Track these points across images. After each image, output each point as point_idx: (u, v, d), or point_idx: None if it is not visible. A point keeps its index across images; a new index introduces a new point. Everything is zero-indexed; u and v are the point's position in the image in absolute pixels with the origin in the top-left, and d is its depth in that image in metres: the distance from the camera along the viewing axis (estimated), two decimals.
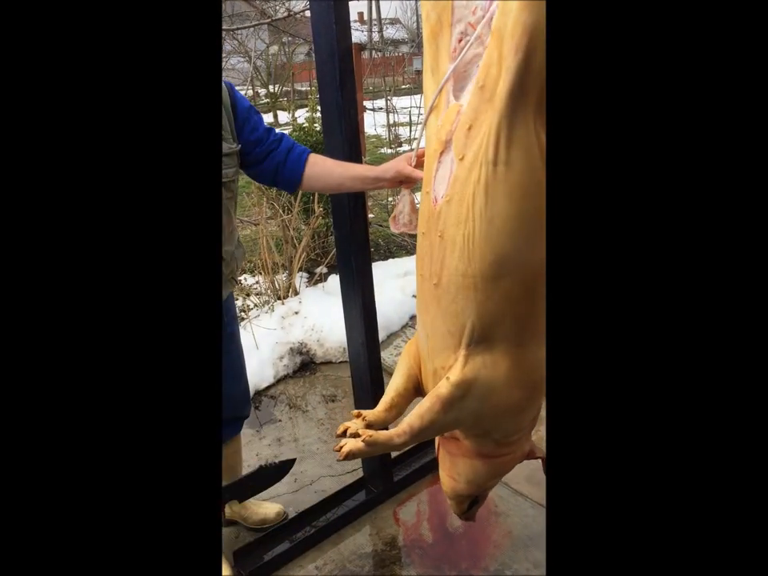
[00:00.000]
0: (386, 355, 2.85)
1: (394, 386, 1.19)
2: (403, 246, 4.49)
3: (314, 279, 3.66)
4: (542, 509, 1.90)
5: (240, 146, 1.44)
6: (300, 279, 3.64)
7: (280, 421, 2.56)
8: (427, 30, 1.03)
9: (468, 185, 0.95)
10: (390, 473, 2.02)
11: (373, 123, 8.86)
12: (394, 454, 2.02)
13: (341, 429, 1.06)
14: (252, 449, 2.35)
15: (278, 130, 1.55)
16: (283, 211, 3.58)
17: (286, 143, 1.50)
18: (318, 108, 1.79)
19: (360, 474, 2.05)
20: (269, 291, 3.47)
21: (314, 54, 1.55)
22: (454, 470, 1.24)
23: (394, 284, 3.44)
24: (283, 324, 3.11)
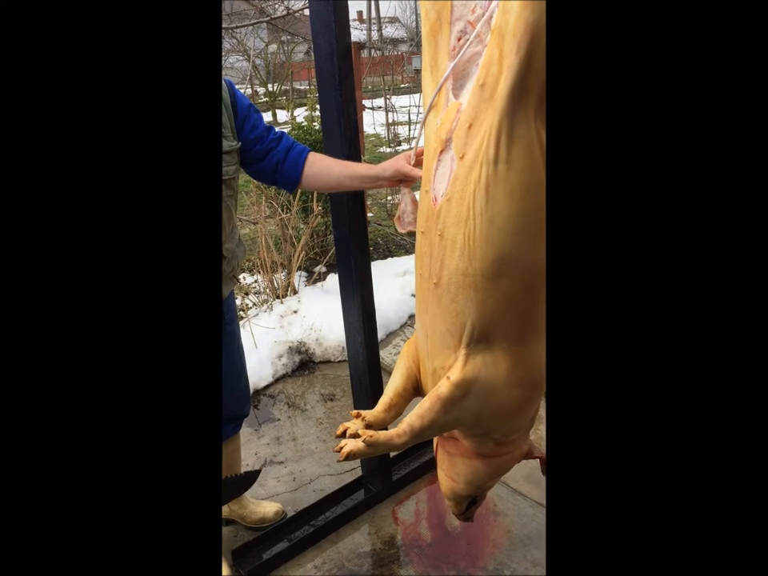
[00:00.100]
0: (384, 354, 2.85)
1: (392, 386, 1.19)
2: (402, 245, 4.49)
3: (313, 278, 3.66)
4: (540, 508, 1.90)
5: (240, 143, 1.44)
6: (299, 278, 3.64)
7: (279, 420, 2.56)
8: (426, 29, 1.03)
9: (468, 183, 0.94)
10: (388, 472, 2.02)
11: (372, 122, 8.86)
12: (392, 454, 2.02)
13: (340, 429, 1.06)
14: (251, 448, 2.35)
15: (277, 129, 1.55)
16: (282, 210, 3.58)
17: (286, 142, 1.50)
18: (317, 107, 1.79)
19: (359, 473, 2.06)
20: (267, 290, 3.47)
21: (312, 53, 1.55)
22: (452, 470, 1.24)
23: (392, 283, 3.44)
24: (282, 323, 3.11)
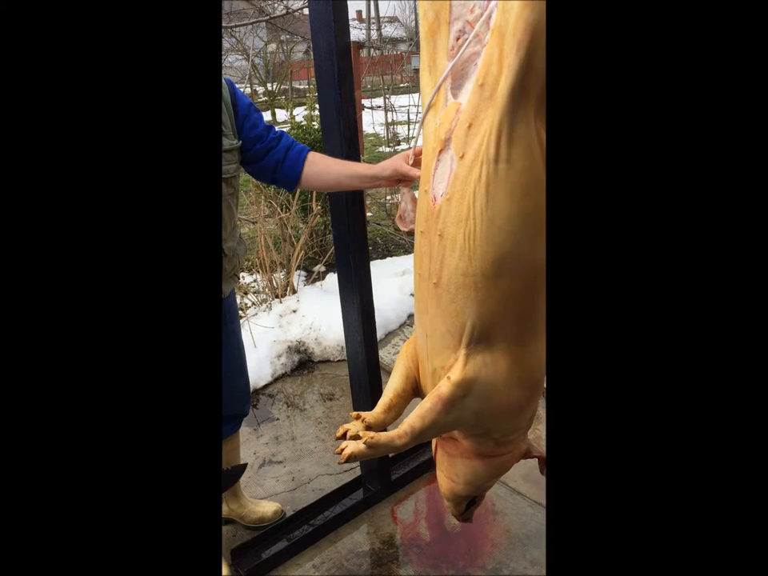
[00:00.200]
0: (383, 354, 2.85)
1: (392, 387, 1.18)
2: (401, 245, 4.49)
3: (312, 278, 3.66)
4: (539, 507, 1.91)
5: (241, 142, 1.45)
6: (298, 277, 3.64)
7: (278, 419, 2.56)
8: (425, 28, 1.03)
9: (469, 183, 0.94)
10: (387, 471, 2.02)
11: (371, 121, 8.87)
12: (391, 454, 2.02)
13: (340, 431, 1.05)
14: (250, 447, 2.35)
15: (277, 128, 1.55)
16: (281, 209, 3.58)
17: (286, 141, 1.50)
18: (317, 106, 1.79)
19: (358, 472, 2.06)
20: (267, 289, 3.47)
21: (312, 52, 1.54)
22: (452, 470, 1.24)
23: (392, 282, 3.44)
24: (281, 322, 3.11)
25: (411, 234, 1.22)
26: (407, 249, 4.35)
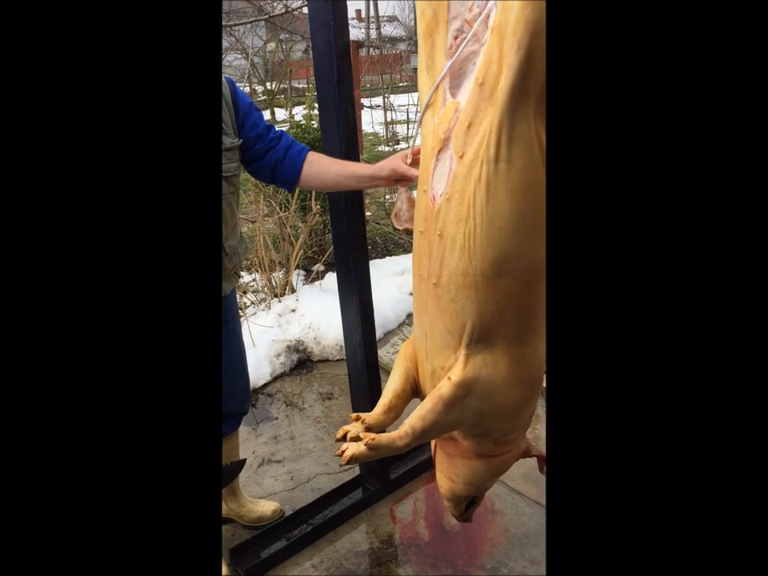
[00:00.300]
0: (383, 353, 2.85)
1: (391, 388, 1.18)
2: (401, 244, 4.49)
3: (311, 277, 3.66)
4: (538, 507, 1.91)
5: (241, 140, 1.45)
6: (297, 277, 3.64)
7: (276, 419, 2.56)
8: (422, 27, 1.03)
9: (468, 183, 0.94)
10: (386, 471, 2.02)
11: (370, 121, 8.86)
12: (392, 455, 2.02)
13: (340, 433, 1.05)
14: (249, 446, 2.34)
15: (277, 128, 1.55)
16: (280, 208, 3.58)
17: (285, 141, 1.50)
18: (316, 105, 1.79)
19: (357, 471, 2.06)
20: (266, 289, 3.47)
21: (311, 51, 1.54)
22: (452, 471, 1.24)
23: (391, 282, 3.44)
24: (280, 322, 3.11)
25: (410, 233, 1.22)
26: (406, 248, 4.35)
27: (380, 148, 8.17)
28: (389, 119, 7.87)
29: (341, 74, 1.49)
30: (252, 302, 3.37)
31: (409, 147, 1.33)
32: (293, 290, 3.47)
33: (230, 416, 1.73)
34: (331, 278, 3.49)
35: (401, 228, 1.34)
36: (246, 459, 1.77)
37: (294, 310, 3.20)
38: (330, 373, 2.91)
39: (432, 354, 1.09)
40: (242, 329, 2.81)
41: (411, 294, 1.17)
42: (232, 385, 1.64)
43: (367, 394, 1.85)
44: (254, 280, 3.61)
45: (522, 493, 1.97)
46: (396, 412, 1.16)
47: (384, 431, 1.08)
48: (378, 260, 4.01)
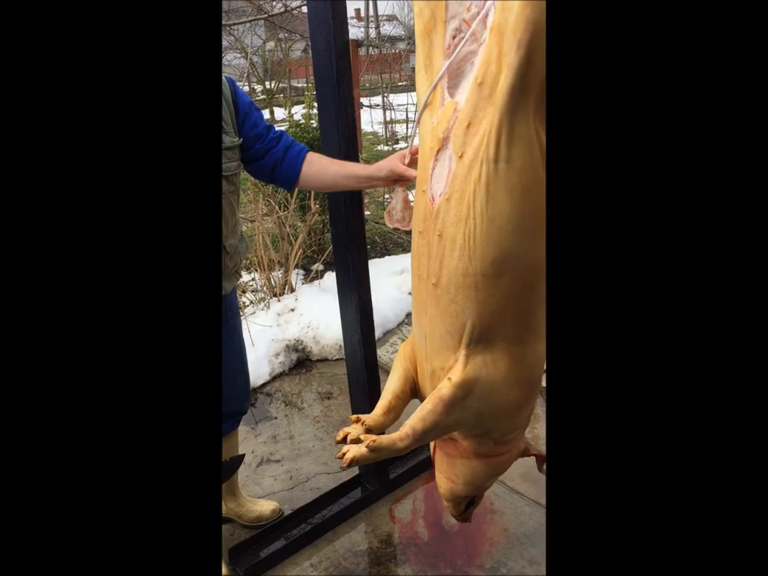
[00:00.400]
0: (382, 353, 2.85)
1: (390, 389, 1.18)
2: (400, 244, 4.49)
3: (311, 276, 3.66)
4: (537, 506, 1.91)
5: (241, 140, 1.45)
6: (296, 276, 3.64)
7: (275, 418, 2.56)
8: (420, 27, 1.03)
9: (468, 183, 0.94)
10: (385, 470, 2.02)
11: (370, 120, 8.86)
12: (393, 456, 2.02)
13: (340, 435, 1.05)
14: (247, 446, 2.34)
15: (276, 128, 1.55)
16: (279, 208, 3.57)
17: (285, 141, 1.51)
18: (315, 104, 1.79)
19: (356, 471, 2.05)
20: (265, 288, 3.47)
21: (310, 51, 1.54)
22: (451, 471, 1.24)
23: (390, 281, 3.44)
24: (279, 321, 3.11)
25: (409, 232, 1.22)
26: (406, 247, 4.35)
27: (379, 147, 8.17)
28: (388, 118, 7.87)
29: (340, 73, 1.49)
30: (251, 302, 3.37)
31: (408, 147, 1.33)
32: (292, 290, 3.46)
33: (229, 415, 1.73)
34: (330, 278, 3.49)
35: (391, 226, 1.34)
36: (245, 454, 1.77)
37: (293, 310, 3.20)
38: (329, 372, 2.91)
39: (432, 354, 1.09)
40: (242, 328, 2.82)
41: (410, 293, 1.17)
42: (232, 383, 1.65)
43: (366, 393, 1.84)
44: (253, 279, 3.61)
45: (520, 492, 1.98)
46: (395, 413, 1.16)
47: (384, 433, 1.08)
48: (377, 259, 4.00)
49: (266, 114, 10.26)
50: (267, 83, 11.89)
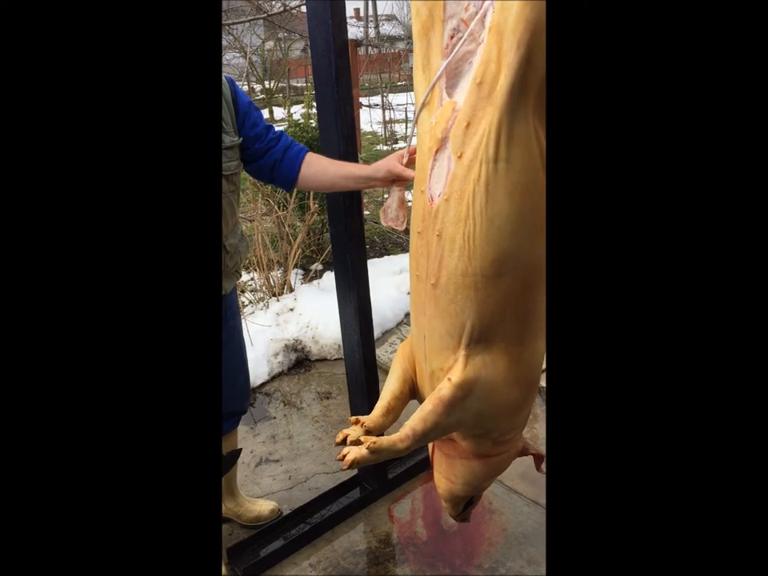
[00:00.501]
0: (380, 352, 2.85)
1: (389, 390, 1.18)
2: (399, 243, 4.49)
3: (309, 276, 3.66)
4: (536, 506, 1.91)
5: (241, 139, 1.45)
6: (295, 276, 3.63)
7: (274, 418, 2.56)
8: (417, 27, 1.03)
9: (468, 183, 0.94)
10: (384, 470, 2.02)
11: (369, 120, 8.86)
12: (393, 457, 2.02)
13: (340, 437, 1.05)
14: (246, 446, 2.34)
15: (276, 128, 1.55)
16: (278, 208, 3.57)
17: (284, 141, 1.51)
18: (314, 104, 1.78)
19: (354, 471, 2.05)
20: (264, 288, 3.46)
21: (309, 50, 1.54)
22: (450, 471, 1.24)
23: (389, 281, 3.44)
24: (278, 321, 3.11)
25: (404, 232, 1.23)
26: (405, 247, 4.34)
27: (378, 147, 8.16)
28: (387, 118, 7.87)
29: (339, 72, 1.48)
30: (250, 301, 3.37)
31: (406, 146, 1.33)
32: (291, 289, 3.46)
33: (229, 414, 1.72)
34: (329, 277, 3.48)
35: (385, 225, 1.35)
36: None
37: (292, 309, 3.20)
38: (327, 372, 2.90)
39: (431, 355, 1.09)
40: (242, 327, 2.82)
41: (409, 293, 1.17)
42: (232, 383, 1.65)
43: (365, 393, 1.84)
44: (252, 279, 3.61)
45: (519, 492, 1.98)
46: (394, 414, 1.16)
47: (383, 434, 1.08)
48: (377, 259, 4.00)
49: (265, 113, 10.25)
50: (266, 83, 11.88)
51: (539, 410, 2.41)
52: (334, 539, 1.85)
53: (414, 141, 1.13)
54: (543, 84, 0.86)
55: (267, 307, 3.23)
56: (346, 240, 1.66)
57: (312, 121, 3.87)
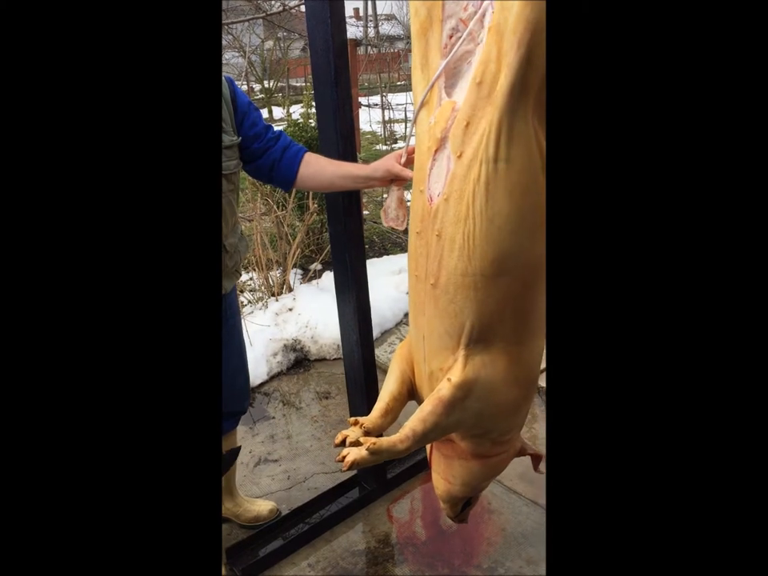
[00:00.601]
0: (379, 352, 2.84)
1: (388, 391, 1.18)
2: (398, 243, 4.49)
3: (309, 276, 3.66)
4: (535, 506, 1.91)
5: (240, 138, 1.45)
6: (294, 276, 3.63)
7: (273, 418, 2.56)
8: (416, 26, 1.02)
9: (467, 182, 0.94)
10: (383, 470, 2.02)
11: (368, 119, 8.85)
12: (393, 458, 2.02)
13: (339, 438, 1.05)
14: (245, 446, 2.34)
15: (275, 128, 1.55)
16: (277, 207, 3.57)
17: (283, 141, 1.51)
18: (313, 104, 1.78)
19: (353, 471, 2.05)
20: (263, 288, 3.46)
21: (309, 50, 1.54)
22: (449, 472, 1.24)
23: (388, 281, 3.43)
24: (277, 320, 3.10)
25: (403, 232, 1.23)
26: (404, 247, 4.34)
27: (378, 147, 8.16)
28: (387, 118, 7.87)
29: (338, 72, 1.48)
30: (249, 301, 3.37)
31: (404, 146, 1.33)
32: (290, 289, 3.46)
33: (229, 414, 1.72)
34: (328, 277, 3.48)
35: (386, 225, 1.35)
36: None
37: (291, 309, 3.20)
38: (327, 372, 2.90)
39: (430, 355, 1.09)
40: (242, 327, 2.81)
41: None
42: (232, 383, 1.65)
43: (364, 393, 1.84)
44: (251, 279, 3.60)
45: (518, 492, 1.97)
46: (393, 415, 1.16)
47: (382, 435, 1.08)
48: (376, 259, 4.00)
49: (264, 113, 10.24)
50: (266, 82, 11.87)
51: (538, 410, 2.41)
52: (332, 539, 1.85)
53: (413, 140, 1.13)
54: (543, 84, 0.86)
55: (266, 307, 3.23)
56: (345, 240, 1.66)
57: (311, 120, 3.87)
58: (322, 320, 3.03)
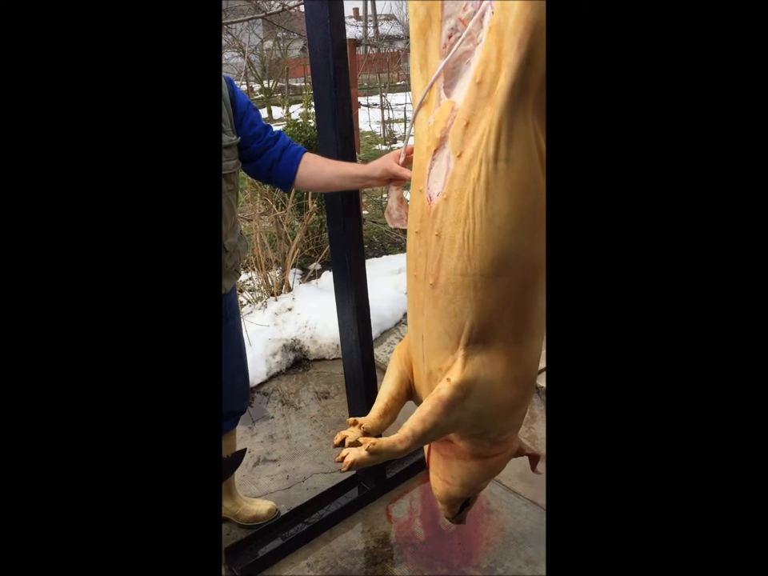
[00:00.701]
0: (379, 352, 2.85)
1: (386, 391, 1.18)
2: (397, 243, 4.49)
3: (308, 276, 3.66)
4: (534, 506, 1.91)
5: (240, 138, 1.45)
6: (293, 275, 3.63)
7: (272, 418, 2.56)
8: (415, 26, 1.02)
9: (467, 182, 0.94)
10: (382, 470, 2.02)
11: (367, 119, 8.85)
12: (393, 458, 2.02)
13: (338, 438, 1.05)
14: (244, 445, 2.33)
15: (274, 128, 1.55)
16: (277, 207, 3.57)
17: (282, 141, 1.52)
18: (312, 104, 1.78)
19: (353, 471, 2.05)
20: (262, 287, 3.46)
21: (308, 50, 1.54)
22: (447, 473, 1.23)
23: (387, 281, 3.44)
24: (276, 320, 3.10)
25: (402, 232, 1.23)
26: (403, 247, 4.34)
27: (377, 147, 8.16)
28: (386, 118, 7.87)
29: (337, 72, 1.48)
30: (248, 301, 3.37)
31: (403, 146, 1.33)
32: (289, 289, 3.46)
33: (228, 414, 1.72)
34: (328, 277, 3.48)
35: (392, 226, 1.35)
36: (245, 449, 1.76)
37: (290, 309, 3.20)
38: (326, 372, 2.90)
39: (429, 355, 1.09)
40: (242, 327, 2.81)
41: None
42: (231, 382, 1.65)
43: (363, 393, 1.84)
44: (250, 279, 3.60)
45: (517, 492, 1.98)
46: (392, 415, 1.16)
47: (380, 435, 1.08)
48: (375, 259, 4.00)
49: (263, 112, 10.24)
50: (265, 82, 11.87)
51: (537, 409, 2.41)
52: (331, 539, 1.85)
53: (411, 140, 1.13)
54: (543, 84, 0.86)
55: (265, 307, 3.23)
56: (345, 240, 1.66)
57: (310, 120, 3.87)
58: (321, 320, 3.03)
